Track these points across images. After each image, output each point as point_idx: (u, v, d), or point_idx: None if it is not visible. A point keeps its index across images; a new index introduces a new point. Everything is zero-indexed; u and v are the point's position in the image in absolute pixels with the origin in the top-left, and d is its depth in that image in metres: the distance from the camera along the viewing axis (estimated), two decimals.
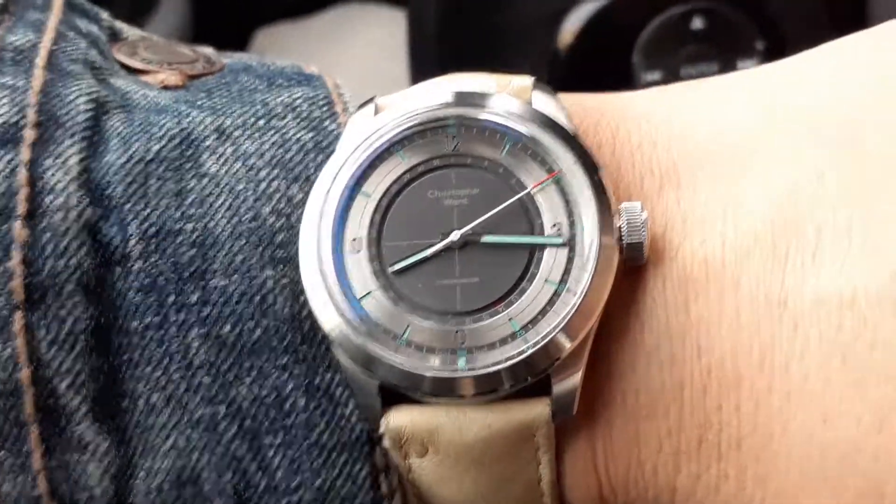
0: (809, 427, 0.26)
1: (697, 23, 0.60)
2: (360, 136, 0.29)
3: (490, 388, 0.27)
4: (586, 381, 0.28)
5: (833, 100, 0.28)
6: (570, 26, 0.60)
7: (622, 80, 0.59)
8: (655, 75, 0.59)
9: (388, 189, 0.29)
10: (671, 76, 0.59)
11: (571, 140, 0.28)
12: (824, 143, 0.28)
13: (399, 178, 0.29)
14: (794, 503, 0.27)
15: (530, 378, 0.27)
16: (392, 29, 0.78)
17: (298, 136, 0.30)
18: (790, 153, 0.28)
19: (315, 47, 0.81)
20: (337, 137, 0.30)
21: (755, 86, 0.30)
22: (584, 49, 0.60)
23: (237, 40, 0.84)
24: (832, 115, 0.28)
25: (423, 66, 0.64)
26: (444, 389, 0.27)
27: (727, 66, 0.59)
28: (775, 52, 0.59)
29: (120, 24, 0.36)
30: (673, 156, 0.29)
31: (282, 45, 0.82)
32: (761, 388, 0.27)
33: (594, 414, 0.28)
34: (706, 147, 0.29)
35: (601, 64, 0.60)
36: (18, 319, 0.28)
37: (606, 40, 0.60)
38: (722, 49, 0.60)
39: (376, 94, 0.30)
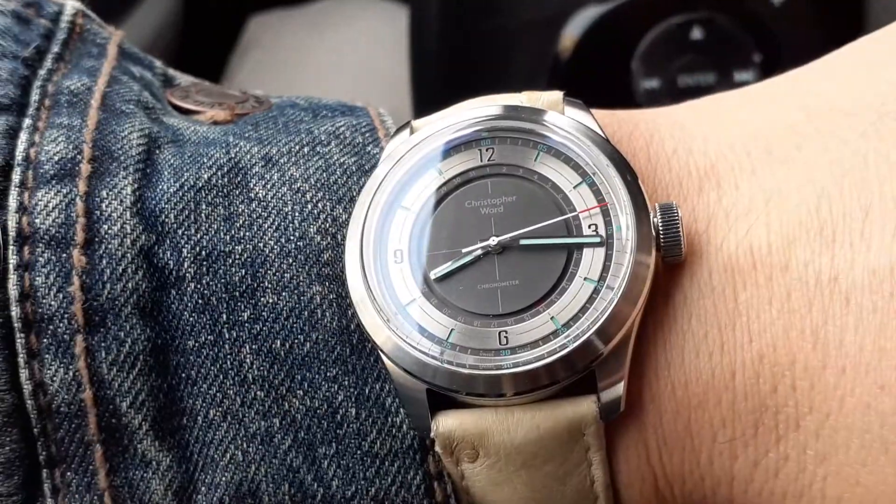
0: (867, 398, 0.26)
1: (696, 33, 0.61)
2: (397, 153, 0.30)
3: (531, 386, 0.28)
4: (634, 376, 0.28)
5: (864, 94, 0.29)
6: (571, 32, 0.61)
7: (621, 86, 0.60)
8: (653, 83, 0.60)
9: (426, 202, 0.30)
10: (669, 84, 0.60)
11: (603, 144, 0.30)
12: (862, 133, 0.28)
13: (437, 190, 0.30)
14: (857, 477, 0.27)
15: (570, 375, 0.28)
16: (391, 24, 0.77)
17: (342, 160, 0.32)
18: (831, 143, 0.29)
19: (310, 36, 0.79)
20: (379, 160, 0.31)
21: (784, 90, 0.31)
22: (583, 55, 0.61)
23: (229, 27, 0.82)
24: (865, 109, 0.29)
25: (424, 64, 0.65)
26: (488, 388, 0.28)
27: (724, 76, 0.60)
28: (771, 64, 0.61)
29: (173, 72, 0.37)
30: (710, 158, 0.30)
31: (275, 33, 0.80)
32: (815, 366, 0.27)
33: (644, 408, 0.29)
34: (744, 147, 0.30)
35: (600, 70, 0.61)
36: (80, 342, 0.29)
37: (606, 47, 0.61)
38: (719, 60, 0.61)
39: (410, 118, 0.32)
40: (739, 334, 0.28)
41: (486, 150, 0.30)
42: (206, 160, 0.31)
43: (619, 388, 0.28)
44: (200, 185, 0.31)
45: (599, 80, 0.61)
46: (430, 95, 0.63)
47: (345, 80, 0.76)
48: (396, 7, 0.80)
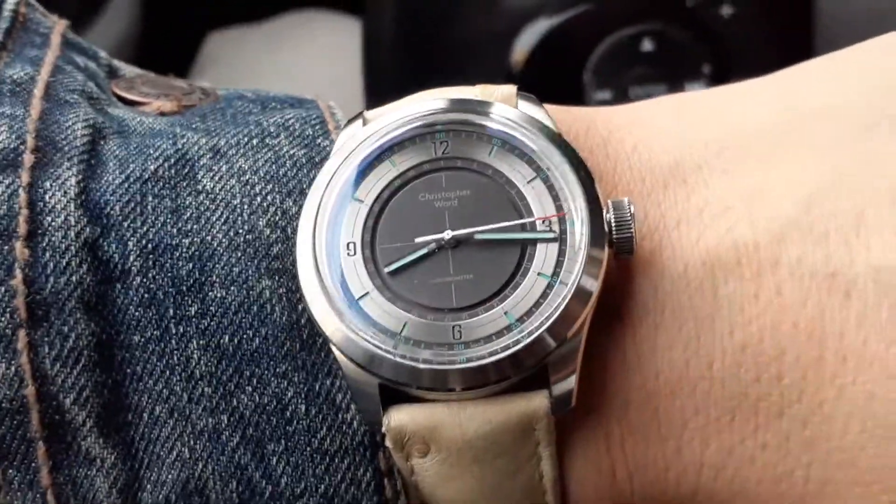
0: (871, 387, 0.27)
1: (647, 45, 0.61)
2: (350, 145, 0.30)
3: (481, 382, 0.28)
4: (599, 369, 0.28)
5: (856, 96, 0.30)
6: (523, 44, 0.61)
7: (573, 98, 0.61)
8: (605, 94, 0.61)
9: (379, 194, 0.30)
10: (620, 96, 0.61)
11: (557, 139, 0.29)
12: (854, 134, 0.29)
13: (390, 183, 0.30)
14: (853, 460, 0.27)
15: (521, 371, 0.28)
16: (346, 37, 0.78)
17: (292, 152, 0.31)
18: (820, 143, 0.29)
19: (267, 52, 0.80)
20: (329, 152, 0.31)
21: (766, 89, 0.31)
22: (535, 67, 0.61)
23: (188, 43, 0.82)
24: (858, 111, 0.29)
25: (378, 75, 0.65)
26: (440, 383, 0.28)
27: (675, 87, 0.61)
28: (722, 75, 0.62)
29: (118, 63, 0.37)
30: (674, 156, 0.30)
31: (234, 50, 0.81)
32: (810, 358, 0.27)
33: (608, 398, 0.28)
34: (716, 145, 0.30)
35: (553, 82, 0.62)
36: (22, 337, 0.28)
37: (558, 59, 0.62)
38: (670, 71, 0.62)
39: (363, 109, 0.32)
40: (719, 326, 0.28)
41: (440, 143, 0.30)
42: (152, 151, 0.31)
43: (571, 383, 0.28)
44: (147, 176, 0.30)
45: (552, 92, 0.61)
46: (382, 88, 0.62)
47: (303, 93, 0.76)
48: (355, 22, 0.81)
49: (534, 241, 0.29)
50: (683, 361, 0.28)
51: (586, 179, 0.29)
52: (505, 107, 0.30)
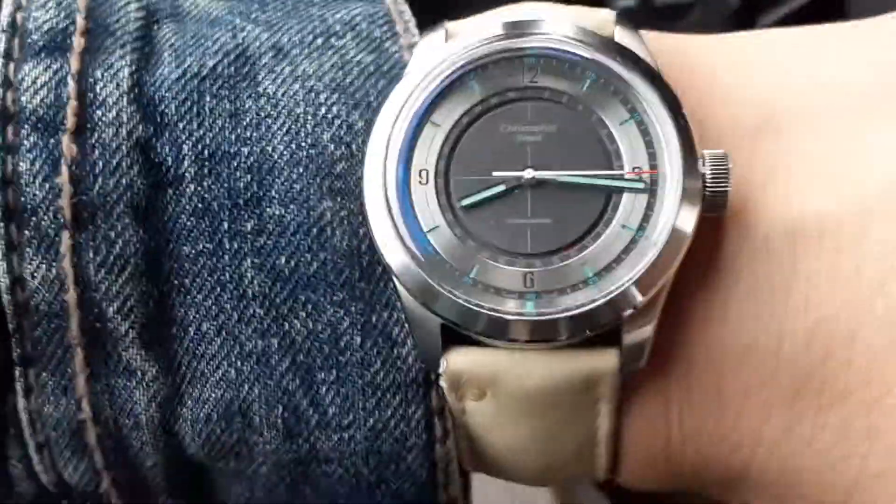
0: None
1: None
2: (430, 62, 0.27)
3: (547, 336, 0.26)
4: (665, 330, 0.27)
5: None
6: None
7: (595, 6, 0.55)
8: (629, 1, 0.56)
9: (458, 120, 0.27)
10: (644, 3, 0.56)
11: (657, 79, 0.27)
12: None
13: (470, 109, 0.27)
14: None
15: (592, 330, 0.26)
16: None
17: (359, 57, 0.29)
18: None
19: None
20: (398, 60, 0.29)
21: (856, 40, 0.29)
22: None
23: None
24: None
25: None
26: (506, 332, 0.26)
27: None
28: None
29: None
30: (771, 104, 0.28)
31: None
32: (881, 344, 0.26)
33: (672, 362, 0.27)
34: (810, 99, 0.28)
35: None
36: (66, 239, 0.26)
37: None
38: None
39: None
40: (794, 301, 0.27)
41: (529, 69, 0.28)
42: (210, 44, 0.28)
43: (644, 344, 0.27)
44: (205, 73, 0.28)
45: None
46: None
47: None
48: None
49: (620, 190, 0.27)
50: (753, 334, 0.27)
51: (683, 128, 0.27)
52: (590, 33, 0.28)
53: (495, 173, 0.27)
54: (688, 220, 0.26)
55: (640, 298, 0.26)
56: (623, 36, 0.28)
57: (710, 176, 0.26)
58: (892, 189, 0.26)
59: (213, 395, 0.28)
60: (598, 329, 0.26)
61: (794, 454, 0.27)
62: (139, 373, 0.27)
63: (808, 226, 0.27)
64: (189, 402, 0.28)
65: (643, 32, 0.29)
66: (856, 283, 0.26)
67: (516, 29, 0.28)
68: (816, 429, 0.27)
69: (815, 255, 0.27)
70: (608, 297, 0.26)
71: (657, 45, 0.29)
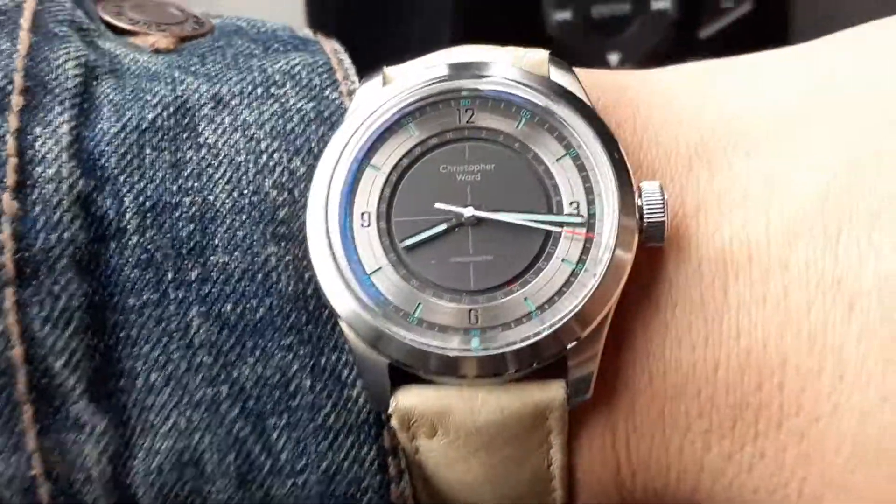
0: (866, 407, 0.26)
1: None
2: (368, 107, 0.28)
3: (498, 371, 0.27)
4: (609, 361, 0.27)
5: (883, 86, 0.28)
6: None
7: (531, 18, 0.55)
8: (566, 14, 0.56)
9: (398, 162, 0.28)
10: (582, 16, 0.56)
11: (590, 115, 0.28)
12: (881, 125, 0.27)
13: (410, 151, 0.28)
14: (843, 482, 0.27)
15: (538, 363, 0.27)
16: None
17: (299, 105, 0.29)
18: (844, 128, 0.27)
19: None
20: (338, 107, 0.29)
21: (793, 64, 0.30)
22: None
23: None
24: (882, 102, 0.28)
25: (320, 14, 0.60)
26: (453, 369, 0.27)
27: (640, 5, 0.56)
28: None
29: None
30: (702, 133, 0.28)
31: None
32: (810, 370, 0.26)
33: (617, 394, 0.28)
34: (742, 124, 0.28)
35: (508, 2, 0.57)
36: (10, 296, 0.26)
37: None
38: None
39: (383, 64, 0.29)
40: (727, 328, 0.27)
41: (466, 110, 0.28)
42: (150, 97, 0.28)
43: (590, 375, 0.27)
44: (144, 126, 0.28)
45: (508, 12, 0.57)
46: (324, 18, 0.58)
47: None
48: None
49: (560, 225, 0.27)
50: (690, 363, 0.27)
51: (619, 161, 0.27)
52: (524, 72, 0.28)
53: (436, 213, 0.27)
54: (626, 251, 0.27)
55: (581, 331, 0.27)
56: (557, 75, 0.29)
57: (646, 208, 0.27)
58: (816, 209, 0.27)
59: (164, 445, 0.28)
60: (543, 361, 0.27)
61: (736, 482, 0.28)
62: (89, 427, 0.27)
63: (737, 251, 0.27)
64: (140, 453, 0.28)
65: (577, 70, 0.29)
66: (784, 306, 0.27)
67: (453, 71, 0.28)
68: (755, 457, 0.28)
69: (745, 280, 0.27)
70: (552, 329, 0.27)
71: (591, 80, 0.29)
